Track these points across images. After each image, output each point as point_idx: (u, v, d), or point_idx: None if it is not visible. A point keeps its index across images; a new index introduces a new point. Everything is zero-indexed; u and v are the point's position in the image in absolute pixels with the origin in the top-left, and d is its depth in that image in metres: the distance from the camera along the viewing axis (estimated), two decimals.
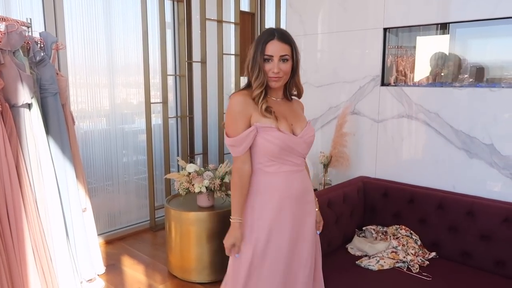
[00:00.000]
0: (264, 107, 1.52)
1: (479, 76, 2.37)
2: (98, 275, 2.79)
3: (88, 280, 2.65)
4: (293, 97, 1.71)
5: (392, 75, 2.67)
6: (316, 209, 1.74)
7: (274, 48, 1.50)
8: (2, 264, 1.97)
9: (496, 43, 2.42)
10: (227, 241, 1.58)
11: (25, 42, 2.27)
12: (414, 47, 2.66)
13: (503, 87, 2.16)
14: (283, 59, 1.51)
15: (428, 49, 2.65)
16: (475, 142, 2.23)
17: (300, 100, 1.74)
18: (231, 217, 1.59)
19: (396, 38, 2.69)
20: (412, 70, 2.70)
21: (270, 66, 1.51)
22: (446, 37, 2.53)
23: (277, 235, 1.58)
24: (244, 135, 1.52)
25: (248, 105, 1.54)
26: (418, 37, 2.65)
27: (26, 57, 2.27)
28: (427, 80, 2.60)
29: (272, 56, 1.50)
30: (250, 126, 1.54)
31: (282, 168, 1.57)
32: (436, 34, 2.60)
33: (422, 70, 2.67)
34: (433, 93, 2.39)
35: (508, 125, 2.12)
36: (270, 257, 1.58)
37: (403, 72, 2.75)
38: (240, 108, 1.54)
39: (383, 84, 2.61)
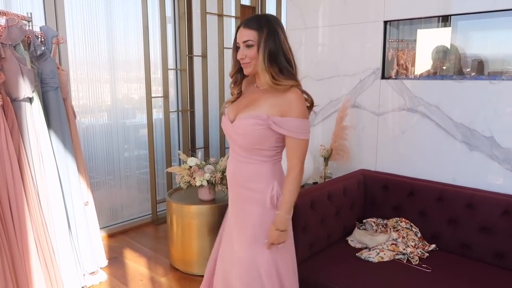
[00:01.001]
0: (233, 91, 1.67)
1: (480, 69, 2.37)
2: (100, 268, 2.82)
3: (91, 273, 2.67)
4: (287, 90, 1.49)
5: (393, 69, 2.66)
6: (272, 227, 1.55)
7: (240, 35, 1.52)
8: (5, 256, 2.00)
9: (498, 36, 2.41)
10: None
11: (25, 36, 2.28)
12: (415, 40, 2.65)
13: (503, 79, 2.15)
14: (246, 45, 1.50)
15: (429, 42, 2.64)
16: (475, 135, 2.23)
17: (295, 95, 1.49)
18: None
19: (397, 32, 2.69)
20: (414, 63, 2.69)
21: (238, 53, 1.54)
22: (448, 29, 2.52)
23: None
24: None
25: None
26: (419, 30, 2.65)
27: (27, 51, 2.28)
28: (428, 74, 2.60)
29: (239, 43, 1.53)
30: None
31: (230, 151, 1.69)
32: (438, 26, 2.59)
33: (423, 63, 2.67)
34: (433, 86, 2.39)
35: (508, 117, 2.11)
36: None
37: (404, 66, 2.74)
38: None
39: (383, 77, 2.61)
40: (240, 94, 1.65)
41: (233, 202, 1.71)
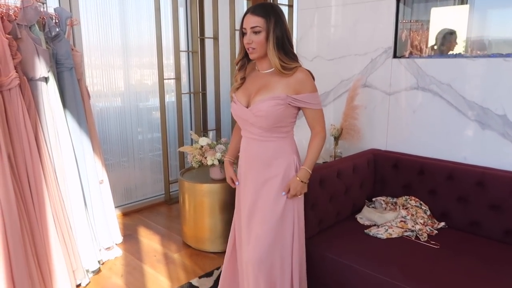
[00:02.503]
0: (239, 76, 1.74)
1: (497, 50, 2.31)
2: (116, 244, 2.91)
3: (106, 248, 2.77)
4: (295, 71, 1.63)
5: (406, 50, 2.63)
6: (297, 178, 1.72)
7: (247, 21, 1.61)
8: (26, 229, 2.08)
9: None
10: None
11: (40, 17, 2.33)
12: (429, 21, 2.60)
13: None
14: (254, 31, 1.59)
15: (444, 21, 2.59)
16: (488, 113, 2.21)
17: (304, 74, 1.64)
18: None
19: (411, 11, 2.65)
20: (427, 44, 2.65)
21: (245, 38, 1.63)
22: (465, 7, 2.45)
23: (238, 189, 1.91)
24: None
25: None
26: (433, 8, 2.60)
27: (42, 32, 2.33)
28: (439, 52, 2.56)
29: (246, 28, 1.61)
30: None
31: (244, 133, 1.79)
32: (454, 4, 2.54)
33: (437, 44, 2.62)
34: (445, 64, 2.36)
35: None
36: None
37: (418, 47, 2.71)
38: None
39: (395, 56, 2.58)
40: (244, 79, 1.75)
41: (255, 181, 1.77)
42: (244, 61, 1.74)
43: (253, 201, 1.77)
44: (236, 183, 1.92)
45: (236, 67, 1.77)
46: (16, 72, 2.09)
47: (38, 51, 2.21)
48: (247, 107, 1.69)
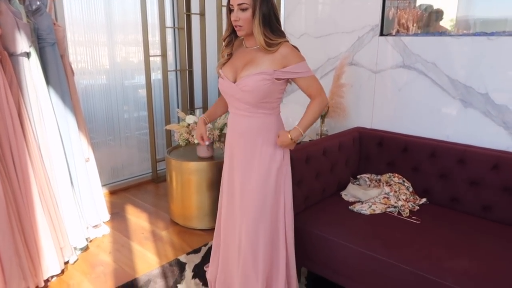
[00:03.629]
0: (225, 52, 1.74)
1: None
2: (103, 222, 2.92)
3: (94, 226, 2.78)
4: (283, 43, 1.63)
5: (393, 28, 2.63)
6: (288, 135, 1.72)
7: None
8: (11, 208, 2.07)
9: None
10: None
11: None
12: None
13: (501, 35, 2.14)
14: (241, 8, 1.58)
15: None
16: (470, 92, 2.25)
17: (288, 48, 1.64)
18: None
19: None
20: (414, 22, 2.65)
21: (232, 15, 1.63)
22: None
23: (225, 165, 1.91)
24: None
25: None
26: None
27: (22, 5, 2.26)
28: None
29: (233, 5, 1.60)
30: None
31: (231, 109, 1.81)
32: None
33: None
34: (431, 42, 2.37)
35: (504, 73, 2.12)
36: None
37: (405, 25, 2.71)
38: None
39: (382, 34, 2.59)
40: (230, 55, 1.75)
41: (243, 156, 1.78)
42: (232, 37, 1.74)
43: (243, 176, 1.79)
44: (206, 142, 2.02)
45: (223, 43, 1.76)
46: None
47: (19, 25, 2.15)
48: (234, 83, 1.70)
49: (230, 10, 1.64)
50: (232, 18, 1.62)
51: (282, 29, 1.69)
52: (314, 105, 1.73)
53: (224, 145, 1.93)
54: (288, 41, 1.67)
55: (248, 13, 1.58)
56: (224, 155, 1.92)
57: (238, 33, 1.66)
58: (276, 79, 1.65)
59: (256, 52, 1.68)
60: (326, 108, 2.73)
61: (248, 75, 1.64)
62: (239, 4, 1.58)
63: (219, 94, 4.11)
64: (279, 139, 1.74)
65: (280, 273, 1.83)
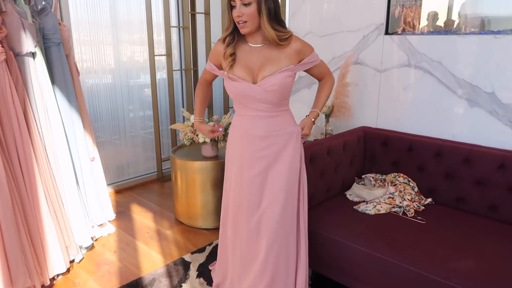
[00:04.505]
0: (228, 52, 1.64)
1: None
2: (108, 221, 2.94)
3: (99, 225, 2.79)
4: (294, 38, 1.65)
5: (399, 26, 2.61)
6: (311, 118, 1.83)
7: None
8: (17, 207, 2.08)
9: None
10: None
11: None
12: None
13: (508, 33, 2.12)
14: (244, 3, 1.53)
15: None
16: (476, 91, 2.23)
17: (299, 41, 1.67)
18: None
19: None
20: (420, 21, 2.62)
21: (234, 12, 1.56)
22: None
23: (232, 169, 1.82)
24: (210, 66, 1.79)
25: (219, 54, 1.70)
26: None
27: (27, 6, 2.27)
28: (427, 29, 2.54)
29: (235, 1, 1.55)
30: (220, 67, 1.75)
31: (247, 112, 1.72)
32: None
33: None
34: (437, 41, 2.35)
35: (510, 72, 2.10)
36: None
37: (411, 24, 2.69)
38: (214, 55, 1.75)
39: (387, 33, 2.57)
40: (234, 55, 1.66)
41: (264, 157, 1.73)
42: (234, 36, 1.65)
43: (264, 176, 1.74)
44: (220, 129, 1.93)
45: (224, 43, 1.66)
46: (2, 47, 2.05)
47: (24, 25, 2.16)
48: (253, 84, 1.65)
49: (231, 7, 1.58)
50: (235, 14, 1.55)
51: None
52: (329, 85, 1.84)
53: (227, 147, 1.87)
54: (293, 34, 1.66)
55: (252, 7, 1.52)
56: (231, 158, 1.85)
57: (242, 31, 1.59)
58: (296, 72, 1.69)
59: (268, 49, 1.64)
60: (331, 108, 2.73)
61: (271, 74, 1.61)
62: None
63: (224, 93, 4.13)
64: (306, 128, 1.80)
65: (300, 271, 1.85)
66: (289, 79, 1.65)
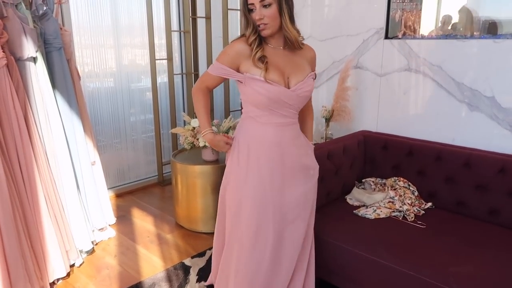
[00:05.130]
0: (258, 55, 1.53)
1: (493, 32, 2.30)
2: (109, 225, 2.94)
3: (100, 229, 2.79)
4: (306, 45, 1.67)
5: (400, 30, 2.61)
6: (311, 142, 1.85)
7: None
8: (18, 212, 2.09)
9: None
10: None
11: None
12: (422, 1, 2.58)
13: (508, 38, 2.12)
14: (264, 5, 1.48)
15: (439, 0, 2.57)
16: (476, 95, 2.23)
17: (314, 51, 1.73)
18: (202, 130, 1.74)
19: None
20: (421, 25, 2.63)
21: (254, 14, 1.51)
22: None
23: (261, 181, 1.65)
24: (222, 69, 1.59)
25: (240, 55, 1.57)
26: None
27: (29, 11, 2.29)
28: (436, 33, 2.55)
29: (253, 4, 1.49)
30: (236, 69, 1.60)
31: (272, 119, 1.61)
32: None
33: (431, 24, 2.61)
34: (436, 45, 2.36)
35: (510, 76, 2.10)
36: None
37: (412, 28, 2.69)
38: (233, 54, 1.58)
39: (387, 37, 2.57)
40: (266, 58, 1.54)
41: (298, 168, 1.70)
42: (260, 39, 1.55)
43: (303, 190, 1.73)
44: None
45: (253, 45, 1.54)
46: (3, 51, 2.06)
47: (25, 30, 2.17)
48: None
49: (249, 11, 1.52)
50: (256, 17, 1.49)
51: None
52: (312, 117, 1.90)
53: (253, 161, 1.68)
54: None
55: (273, 9, 1.48)
56: (254, 178, 1.66)
57: (263, 33, 1.53)
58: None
59: (290, 53, 1.61)
60: (331, 112, 2.73)
61: (303, 79, 1.60)
62: (261, 1, 1.47)
63: (225, 97, 4.13)
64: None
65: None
66: (313, 85, 1.69)
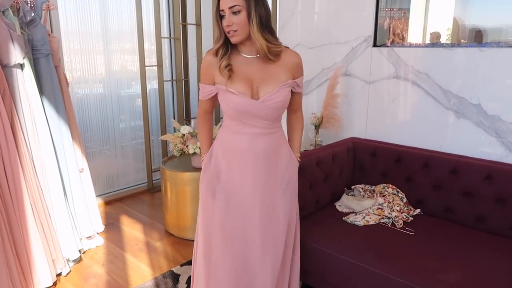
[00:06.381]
0: (223, 64, 1.51)
1: (479, 40, 2.34)
2: (97, 233, 2.90)
3: (87, 237, 2.76)
4: (289, 51, 1.58)
5: (389, 38, 2.64)
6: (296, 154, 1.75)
7: (223, 1, 1.45)
8: (2, 219, 2.05)
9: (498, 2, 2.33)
10: None
11: (14, 2, 2.26)
12: (409, 9, 2.62)
13: (492, 46, 2.16)
14: (233, 11, 1.43)
15: (426, 8, 2.62)
16: (463, 102, 2.26)
17: (299, 58, 1.60)
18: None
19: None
20: (409, 33, 2.67)
21: (224, 21, 1.47)
22: None
23: (233, 190, 1.63)
24: (204, 89, 1.61)
25: (211, 67, 1.56)
26: None
27: (16, 17, 2.27)
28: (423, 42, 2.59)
29: (223, 10, 1.45)
30: (213, 83, 1.59)
31: (245, 130, 1.57)
32: None
33: (419, 32, 2.65)
34: (423, 53, 2.39)
35: (496, 84, 2.13)
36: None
37: (400, 36, 2.73)
38: (205, 68, 1.59)
39: (375, 45, 2.60)
40: (230, 67, 1.52)
41: (269, 179, 1.62)
42: (227, 47, 1.52)
43: (272, 199, 1.63)
44: None
45: (218, 55, 1.52)
46: None
47: (12, 37, 2.15)
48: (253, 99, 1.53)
49: (220, 17, 1.48)
50: (225, 24, 1.46)
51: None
52: (301, 129, 1.77)
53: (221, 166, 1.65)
54: (286, 47, 1.58)
55: (242, 15, 1.43)
56: (222, 187, 1.64)
57: (232, 40, 1.48)
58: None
59: (264, 61, 1.53)
60: (320, 119, 2.74)
61: (274, 89, 1.51)
62: (230, 7, 1.43)
63: (216, 104, 4.12)
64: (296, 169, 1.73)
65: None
66: (289, 94, 1.57)
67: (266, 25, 1.48)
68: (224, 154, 1.63)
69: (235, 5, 1.42)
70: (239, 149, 1.59)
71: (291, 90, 1.60)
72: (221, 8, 1.46)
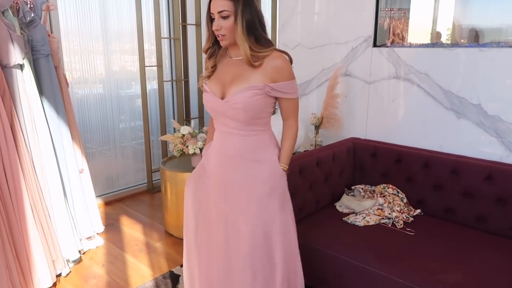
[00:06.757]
0: (209, 64, 1.59)
1: (478, 40, 2.35)
2: (97, 233, 2.90)
3: (87, 238, 2.75)
4: (274, 53, 1.49)
5: (389, 38, 2.64)
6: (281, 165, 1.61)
7: (214, 5, 1.46)
8: (2, 220, 2.05)
9: (498, 2, 2.33)
10: None
11: (14, 2, 2.26)
12: (409, 9, 2.62)
13: (493, 47, 2.15)
14: (222, 16, 1.44)
15: (426, 9, 2.62)
16: (463, 103, 2.26)
17: (281, 60, 1.49)
18: None
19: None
20: (409, 33, 2.67)
21: (213, 24, 1.48)
22: None
23: (201, 188, 1.69)
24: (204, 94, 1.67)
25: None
26: None
27: (16, 18, 2.27)
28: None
29: (213, 13, 1.47)
30: None
31: (220, 128, 1.61)
32: None
33: (418, 32, 2.65)
34: (424, 53, 2.39)
35: (496, 84, 2.13)
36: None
37: (400, 36, 2.73)
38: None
39: (375, 45, 2.60)
40: (215, 67, 1.59)
41: (237, 179, 1.59)
42: (215, 49, 1.58)
43: (238, 200, 1.59)
44: None
45: (206, 55, 1.60)
46: None
47: (12, 37, 2.15)
48: (222, 98, 1.53)
49: (211, 19, 1.50)
50: (214, 27, 1.47)
51: (269, 37, 1.55)
52: (291, 138, 1.62)
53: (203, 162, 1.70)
54: (276, 49, 1.51)
55: (230, 20, 1.44)
56: (195, 176, 1.70)
57: (222, 43, 1.51)
58: (266, 93, 1.50)
59: (244, 63, 1.51)
60: (321, 119, 2.74)
61: (238, 90, 1.48)
62: (219, 12, 1.44)
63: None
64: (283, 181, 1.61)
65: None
66: (256, 98, 1.48)
67: (253, 30, 1.47)
68: (205, 153, 1.71)
69: (224, 10, 1.44)
70: (215, 148, 1.64)
71: (271, 95, 1.52)
72: (211, 11, 1.48)
